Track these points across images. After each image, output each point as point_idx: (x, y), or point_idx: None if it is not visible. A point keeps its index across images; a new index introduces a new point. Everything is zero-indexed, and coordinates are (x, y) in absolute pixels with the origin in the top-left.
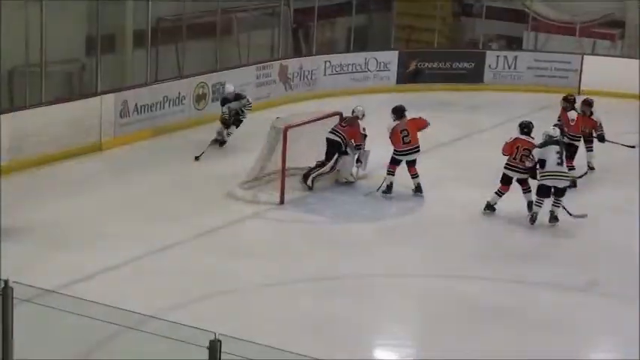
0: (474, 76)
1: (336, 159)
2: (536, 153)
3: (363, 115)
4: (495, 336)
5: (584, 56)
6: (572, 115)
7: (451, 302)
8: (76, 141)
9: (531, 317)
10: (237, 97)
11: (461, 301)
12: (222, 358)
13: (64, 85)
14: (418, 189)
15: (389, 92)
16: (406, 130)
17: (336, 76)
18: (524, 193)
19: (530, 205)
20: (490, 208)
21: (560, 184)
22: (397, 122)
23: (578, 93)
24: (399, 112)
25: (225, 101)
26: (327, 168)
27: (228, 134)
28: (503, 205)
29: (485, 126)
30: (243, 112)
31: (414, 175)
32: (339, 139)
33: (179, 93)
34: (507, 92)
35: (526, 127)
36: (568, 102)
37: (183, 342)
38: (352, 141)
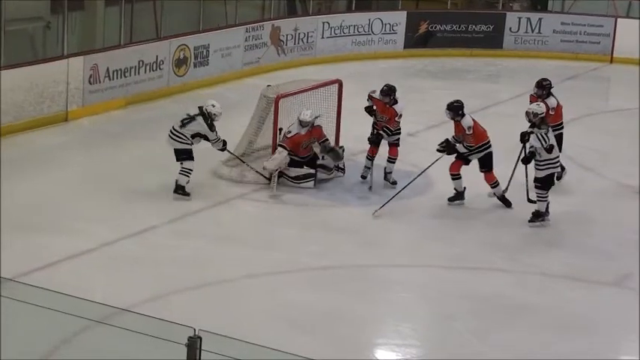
0: (492, 41)
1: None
2: (551, 137)
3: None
4: (511, 334)
5: (618, 19)
6: (552, 102)
7: (461, 296)
8: (38, 110)
9: (553, 313)
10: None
11: (472, 295)
12: (202, 356)
13: (26, 46)
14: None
15: (395, 58)
16: None
17: (336, 39)
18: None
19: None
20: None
21: None
22: None
23: (611, 60)
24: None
25: (212, 125)
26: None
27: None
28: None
29: (504, 97)
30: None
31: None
32: None
33: (157, 57)
34: (530, 59)
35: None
36: (543, 88)
37: (158, 338)
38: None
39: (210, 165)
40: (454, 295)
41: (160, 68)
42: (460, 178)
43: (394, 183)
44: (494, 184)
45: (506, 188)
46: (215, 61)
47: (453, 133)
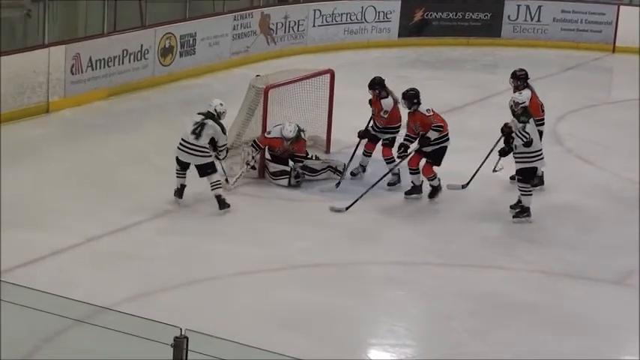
0: (490, 29)
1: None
2: (531, 129)
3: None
4: (510, 333)
5: (621, 7)
6: (526, 94)
7: (458, 294)
8: (18, 101)
9: (552, 311)
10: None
11: (469, 293)
12: (188, 356)
13: (5, 34)
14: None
15: (389, 47)
16: None
17: (328, 28)
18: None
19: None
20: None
21: None
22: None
23: (613, 50)
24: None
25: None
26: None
27: (218, 184)
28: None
29: (502, 88)
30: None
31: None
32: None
33: (141, 46)
34: (529, 49)
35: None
36: (518, 79)
37: (143, 338)
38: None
39: None
40: (450, 293)
41: (144, 58)
42: (419, 172)
43: (391, 184)
44: (432, 177)
45: (468, 183)
46: (202, 50)
47: (405, 133)
